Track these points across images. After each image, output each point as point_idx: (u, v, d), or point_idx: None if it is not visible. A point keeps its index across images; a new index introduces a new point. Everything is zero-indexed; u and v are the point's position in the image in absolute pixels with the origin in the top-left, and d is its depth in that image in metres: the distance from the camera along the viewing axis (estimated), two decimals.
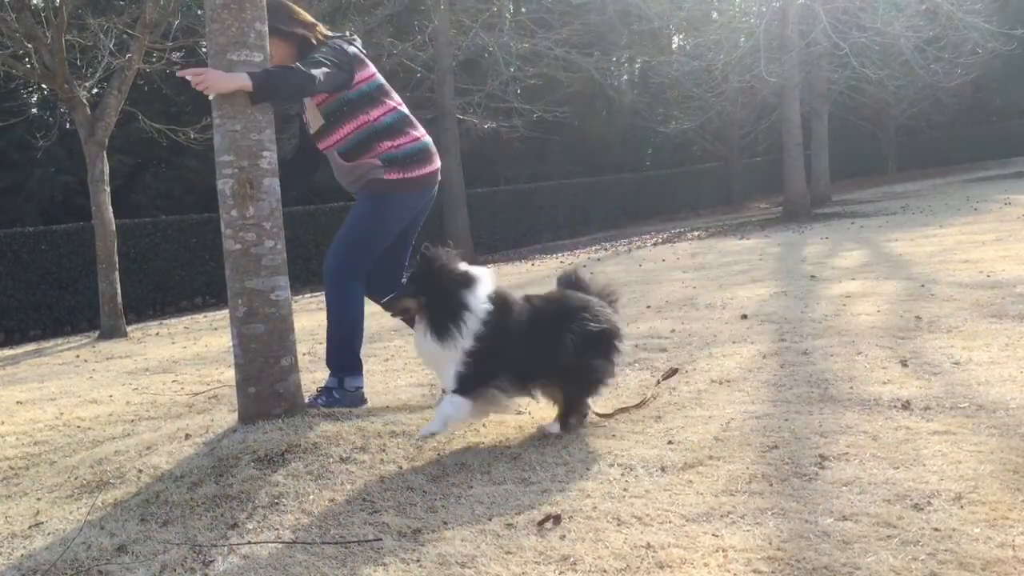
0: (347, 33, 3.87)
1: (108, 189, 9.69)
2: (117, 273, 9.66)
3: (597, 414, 3.33)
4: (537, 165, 26.11)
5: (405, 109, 3.82)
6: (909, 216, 13.67)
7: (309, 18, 3.74)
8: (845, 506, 2.30)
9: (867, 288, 6.13)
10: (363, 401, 3.68)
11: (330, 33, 3.78)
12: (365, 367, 4.25)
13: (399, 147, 3.70)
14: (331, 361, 3.71)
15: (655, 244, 14.89)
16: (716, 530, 2.24)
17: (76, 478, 3.13)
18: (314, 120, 3.75)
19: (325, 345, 3.72)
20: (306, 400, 3.51)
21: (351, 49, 3.67)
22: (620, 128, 28.08)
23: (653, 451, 2.89)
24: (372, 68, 3.76)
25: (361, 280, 3.78)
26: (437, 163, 3.83)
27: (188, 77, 3.31)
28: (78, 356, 7.84)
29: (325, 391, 3.68)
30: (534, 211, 22.48)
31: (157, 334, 9.41)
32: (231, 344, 3.44)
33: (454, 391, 3.06)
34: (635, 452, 2.89)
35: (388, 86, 3.81)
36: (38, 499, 3.00)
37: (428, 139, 3.82)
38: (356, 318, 3.72)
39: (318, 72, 3.39)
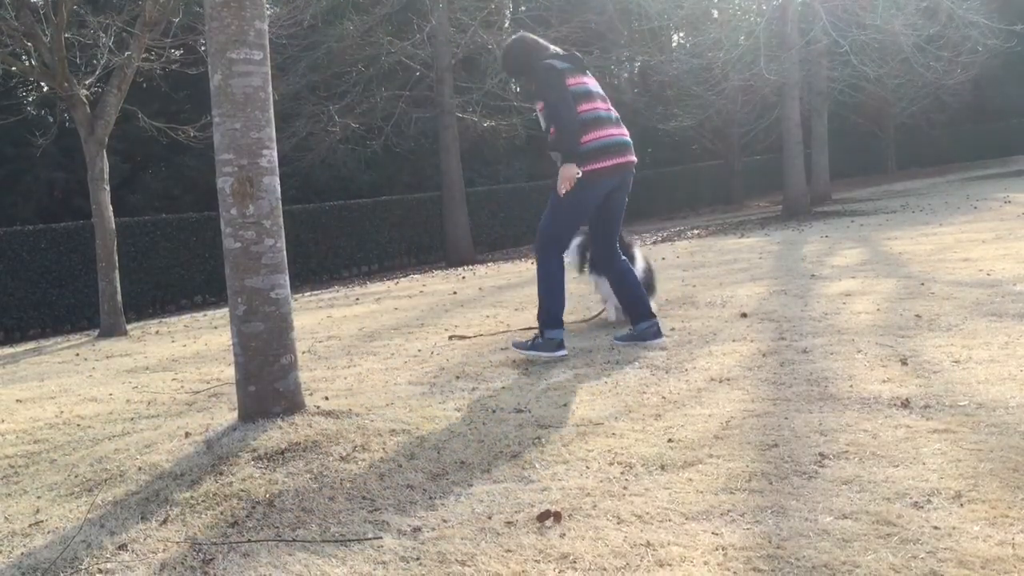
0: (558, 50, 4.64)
1: (108, 187, 9.68)
2: (117, 271, 9.66)
3: None
4: (536, 163, 26.09)
5: (595, 114, 4.51)
6: (909, 214, 13.67)
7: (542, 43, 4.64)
8: (845, 504, 2.30)
9: (867, 286, 6.14)
10: (555, 349, 4.47)
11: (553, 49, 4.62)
12: (365, 365, 4.38)
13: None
14: (539, 319, 4.57)
15: (655, 242, 14.89)
16: (716, 528, 2.24)
17: (76, 476, 3.13)
18: (544, 124, 4.57)
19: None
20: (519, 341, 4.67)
21: (557, 67, 4.44)
22: None
23: (653, 449, 2.89)
24: (577, 78, 4.51)
25: (558, 254, 4.59)
26: (605, 162, 4.50)
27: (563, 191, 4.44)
28: (78, 354, 7.84)
29: (535, 337, 4.59)
30: (534, 209, 22.46)
31: (157, 332, 9.40)
32: (231, 342, 3.45)
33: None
34: (635, 450, 2.89)
35: (587, 93, 4.52)
36: (38, 497, 3.01)
37: (605, 140, 4.50)
38: (555, 284, 4.54)
39: (562, 110, 4.35)
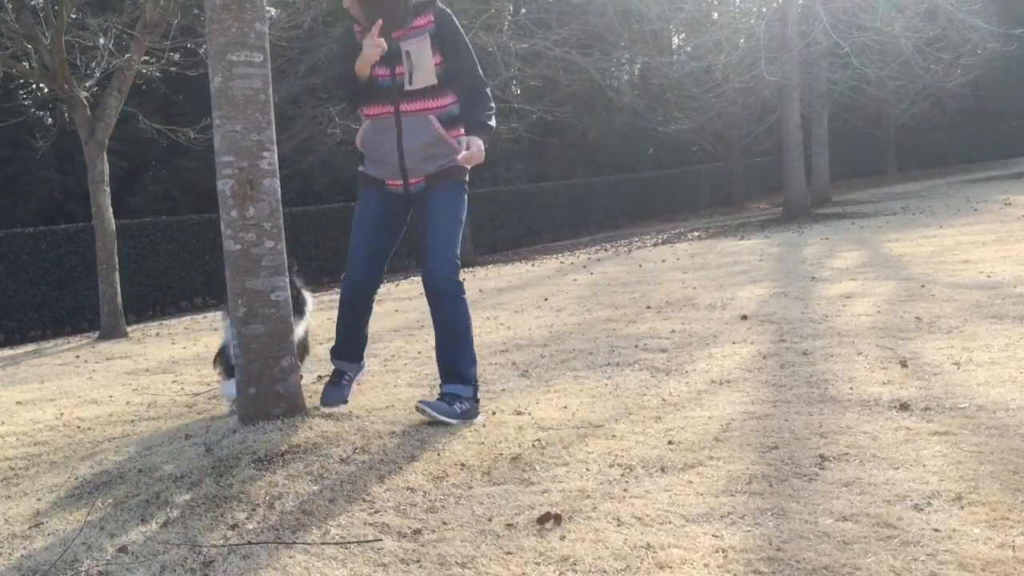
0: None
1: (108, 189, 9.69)
2: (117, 273, 9.66)
3: None
4: (537, 165, 26.14)
5: None
6: (909, 217, 13.67)
7: None
8: (845, 506, 2.30)
9: (867, 288, 6.14)
10: (479, 413, 3.43)
11: None
12: (366, 367, 4.18)
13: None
14: (464, 374, 3.39)
15: (655, 244, 14.89)
16: (716, 530, 2.24)
17: (76, 478, 3.13)
18: (423, 75, 3.34)
19: (447, 359, 3.42)
20: (426, 410, 3.26)
21: None
22: (620, 128, 28.11)
23: (653, 451, 2.89)
24: None
25: None
26: None
27: (467, 165, 3.35)
28: (78, 356, 7.84)
29: (454, 398, 3.34)
30: (534, 211, 22.50)
31: (157, 334, 9.40)
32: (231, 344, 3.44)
33: None
34: (635, 452, 2.89)
35: None
36: (38, 499, 3.00)
37: None
38: (469, 325, 3.45)
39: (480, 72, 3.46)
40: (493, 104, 3.49)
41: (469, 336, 3.43)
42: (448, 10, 3.43)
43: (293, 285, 3.63)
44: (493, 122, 3.45)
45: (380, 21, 3.29)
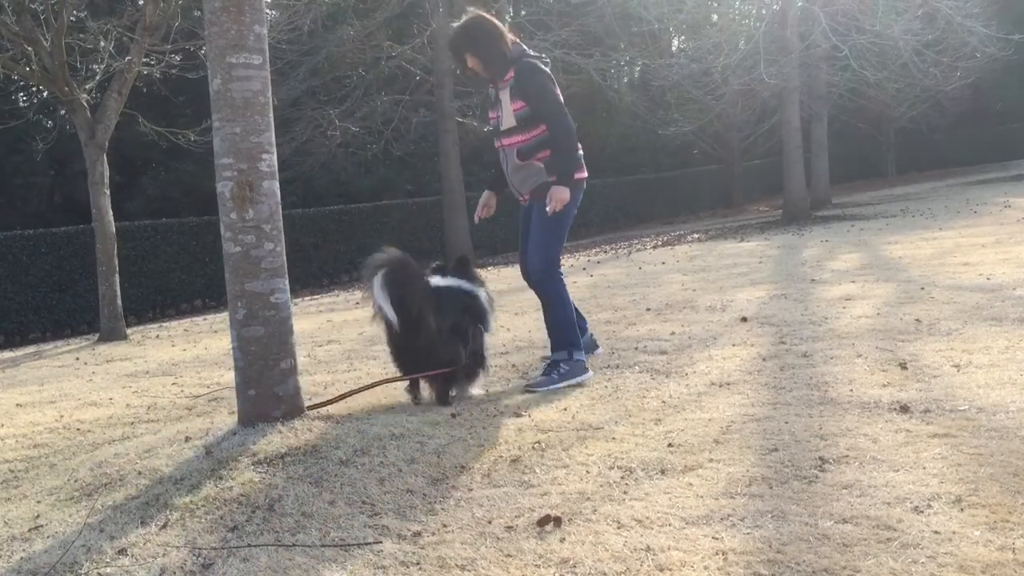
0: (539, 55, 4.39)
1: (108, 191, 9.69)
2: (117, 276, 9.66)
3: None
4: None
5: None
6: (908, 219, 13.67)
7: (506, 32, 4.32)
8: (845, 509, 2.30)
9: (866, 291, 6.14)
10: (586, 370, 4.15)
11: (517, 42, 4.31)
12: (366, 369, 4.40)
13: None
14: (559, 342, 4.20)
15: (655, 247, 14.90)
16: (716, 533, 2.24)
17: (76, 481, 3.13)
18: (506, 119, 4.25)
19: (548, 332, 4.28)
20: (533, 379, 4.11)
21: (549, 72, 4.27)
22: (620, 130, 28.11)
23: (653, 454, 2.89)
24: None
25: (560, 275, 4.30)
26: (585, 171, 4.42)
27: (551, 210, 4.12)
28: (78, 359, 7.84)
29: (552, 366, 4.13)
30: None
31: (157, 337, 9.40)
32: (231, 347, 3.45)
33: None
34: (635, 455, 2.89)
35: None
36: (38, 502, 3.00)
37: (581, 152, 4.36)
38: (570, 301, 4.29)
39: (569, 124, 4.16)
40: (572, 139, 4.16)
41: (561, 313, 4.22)
42: (529, 62, 4.20)
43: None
44: (573, 165, 4.21)
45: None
